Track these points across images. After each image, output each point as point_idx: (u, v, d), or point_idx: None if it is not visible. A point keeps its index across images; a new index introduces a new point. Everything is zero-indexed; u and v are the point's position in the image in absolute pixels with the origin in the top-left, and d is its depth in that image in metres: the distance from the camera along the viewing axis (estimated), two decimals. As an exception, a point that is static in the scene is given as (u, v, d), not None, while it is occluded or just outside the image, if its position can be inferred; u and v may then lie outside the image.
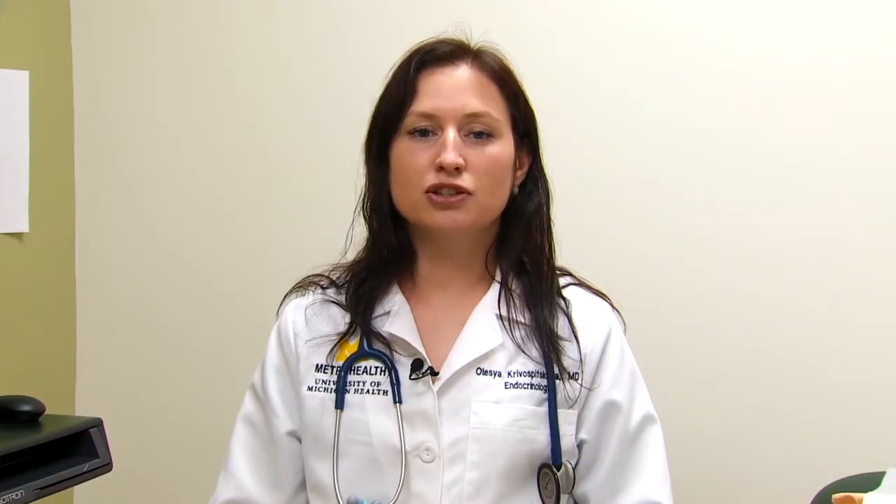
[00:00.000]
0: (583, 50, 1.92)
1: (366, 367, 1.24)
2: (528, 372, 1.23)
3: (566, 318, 1.26)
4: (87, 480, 1.47)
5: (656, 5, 1.90)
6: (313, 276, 1.33)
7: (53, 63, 2.09)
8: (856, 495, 1.11)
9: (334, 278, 1.32)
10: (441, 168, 1.19)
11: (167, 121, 2.12)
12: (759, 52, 1.84)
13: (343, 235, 1.31)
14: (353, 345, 1.25)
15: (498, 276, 1.27)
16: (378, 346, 1.25)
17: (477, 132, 1.22)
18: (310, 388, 1.25)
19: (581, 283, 1.32)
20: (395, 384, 1.22)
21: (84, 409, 2.09)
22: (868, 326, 1.80)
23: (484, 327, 1.24)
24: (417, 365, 1.22)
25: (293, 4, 2.05)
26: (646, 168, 1.89)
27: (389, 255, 1.26)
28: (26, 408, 1.49)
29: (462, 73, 1.23)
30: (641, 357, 1.32)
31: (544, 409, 1.22)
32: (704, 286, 1.87)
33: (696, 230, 1.88)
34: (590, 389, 1.25)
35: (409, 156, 1.22)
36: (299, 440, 1.27)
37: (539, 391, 1.23)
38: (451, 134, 1.20)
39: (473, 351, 1.23)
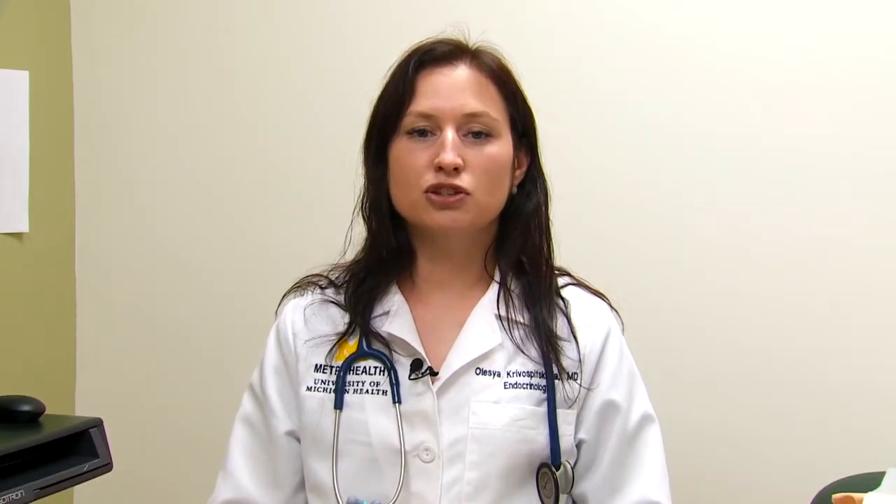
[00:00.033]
0: (583, 50, 1.92)
1: (365, 367, 1.24)
2: (528, 372, 1.23)
3: (565, 319, 1.26)
4: (87, 480, 1.47)
5: (656, 5, 1.90)
6: (312, 276, 1.33)
7: (53, 63, 2.09)
8: (856, 495, 1.11)
9: (333, 278, 1.32)
10: (440, 168, 1.19)
11: (167, 121, 2.12)
12: (759, 52, 1.84)
13: (343, 235, 1.31)
14: (352, 345, 1.25)
15: (497, 276, 1.27)
16: (377, 346, 1.25)
17: (475, 132, 1.22)
18: (309, 389, 1.25)
19: (579, 283, 1.32)
20: (395, 384, 1.22)
21: (84, 409, 2.09)
22: (868, 326, 1.80)
23: (483, 327, 1.25)
24: (417, 365, 1.22)
25: (293, 4, 2.05)
26: (646, 168, 1.89)
27: (388, 255, 1.26)
28: (26, 408, 1.49)
29: (460, 73, 1.23)
30: (641, 357, 1.32)
31: (543, 409, 1.22)
32: (704, 286, 1.87)
33: (696, 230, 1.88)
34: (589, 389, 1.25)
35: (408, 156, 1.22)
36: (298, 440, 1.27)
37: (538, 391, 1.23)
38: (449, 134, 1.20)
39: (473, 351, 1.23)
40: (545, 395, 1.22)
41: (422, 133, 1.22)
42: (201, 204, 2.11)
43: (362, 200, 1.29)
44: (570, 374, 1.24)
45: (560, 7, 1.93)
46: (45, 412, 1.51)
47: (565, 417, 1.23)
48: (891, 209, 1.80)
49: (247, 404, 1.31)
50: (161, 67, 2.12)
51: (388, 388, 1.22)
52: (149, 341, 2.14)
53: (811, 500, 1.30)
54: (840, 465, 1.37)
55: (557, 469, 1.20)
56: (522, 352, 1.24)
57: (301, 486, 1.27)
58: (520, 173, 1.28)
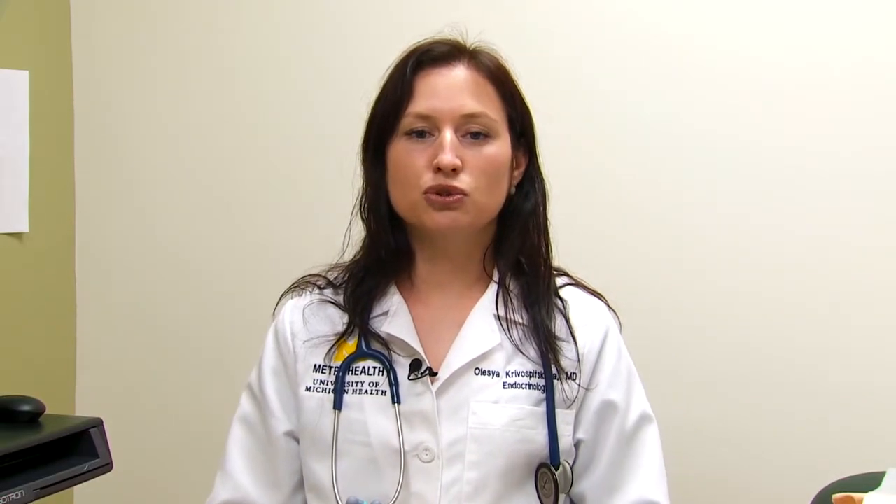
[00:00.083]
0: (582, 50, 1.92)
1: (364, 368, 1.24)
2: (527, 372, 1.23)
3: (564, 319, 1.26)
4: (87, 480, 1.47)
5: (656, 5, 1.89)
6: (310, 276, 1.33)
7: (53, 63, 2.09)
8: (856, 495, 1.11)
9: (332, 279, 1.32)
10: (438, 169, 1.19)
11: (167, 121, 2.12)
12: (759, 52, 1.84)
13: (344, 235, 1.31)
14: (351, 345, 1.25)
15: (496, 277, 1.27)
16: (376, 346, 1.25)
17: (474, 133, 1.22)
18: (308, 389, 1.25)
19: (578, 283, 1.32)
20: (394, 384, 1.22)
21: (84, 409, 2.09)
22: (868, 326, 1.80)
23: (482, 328, 1.25)
24: (416, 365, 1.22)
25: (293, 4, 2.05)
26: (646, 168, 1.89)
27: (387, 255, 1.26)
28: (26, 408, 1.49)
29: (458, 74, 1.23)
30: (641, 357, 1.32)
31: (542, 409, 1.22)
32: (704, 286, 1.87)
33: (696, 230, 1.87)
34: (587, 389, 1.25)
35: (407, 157, 1.22)
36: (297, 440, 1.27)
37: (537, 391, 1.23)
38: (447, 135, 1.20)
39: (472, 351, 1.23)
40: (544, 395, 1.22)
41: (420, 134, 1.22)
42: (201, 204, 2.11)
43: (361, 201, 1.29)
44: (569, 374, 1.24)
45: (560, 7, 1.92)
46: (45, 412, 1.51)
47: (564, 417, 1.23)
48: (891, 209, 1.80)
49: (245, 404, 1.31)
50: (161, 67, 2.12)
51: (388, 389, 1.22)
52: (149, 341, 2.14)
53: (811, 500, 1.30)
54: (840, 465, 1.37)
55: (556, 469, 1.20)
56: (521, 352, 1.24)
57: (299, 486, 1.27)
58: (518, 173, 1.28)
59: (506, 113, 1.25)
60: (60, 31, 2.11)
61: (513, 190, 1.27)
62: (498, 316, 1.25)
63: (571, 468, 1.24)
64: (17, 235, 1.98)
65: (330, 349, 1.25)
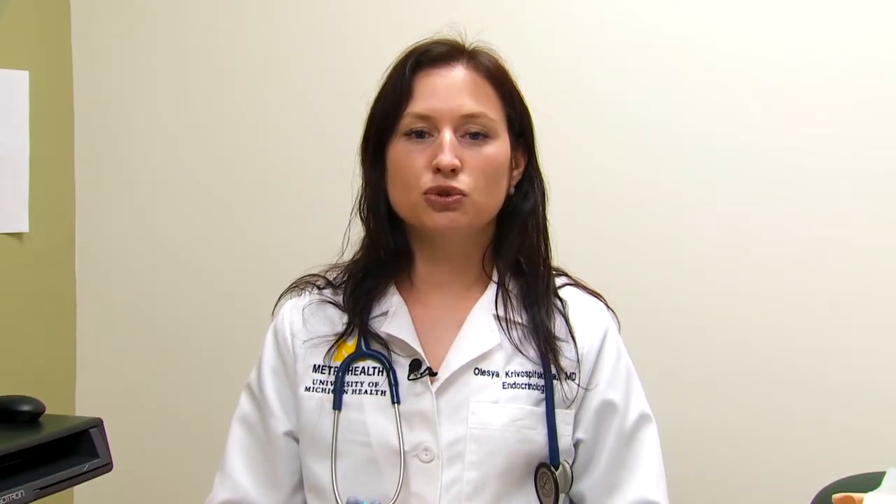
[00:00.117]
0: (583, 50, 1.91)
1: (363, 368, 1.24)
2: (526, 372, 1.23)
3: (563, 319, 1.27)
4: (87, 480, 1.47)
5: (656, 5, 1.89)
6: (309, 276, 1.33)
7: (53, 63, 2.09)
8: (856, 495, 1.11)
9: (331, 279, 1.32)
10: (438, 170, 1.19)
11: (167, 121, 2.12)
12: (759, 52, 1.84)
13: (343, 236, 1.31)
14: (350, 345, 1.25)
15: (495, 277, 1.27)
16: (376, 346, 1.25)
17: (473, 133, 1.22)
18: (307, 389, 1.25)
19: (577, 283, 1.33)
20: (394, 385, 1.22)
21: (84, 409, 2.09)
22: (868, 326, 1.80)
23: (482, 328, 1.25)
24: (416, 365, 1.22)
25: (293, 4, 2.05)
26: (646, 168, 1.89)
27: (386, 255, 1.26)
28: (26, 408, 1.49)
29: (457, 74, 1.23)
30: (641, 357, 1.32)
31: (542, 408, 1.22)
32: (704, 286, 1.87)
33: (696, 230, 1.87)
34: (587, 389, 1.25)
35: (406, 157, 1.22)
36: (296, 440, 1.27)
37: (537, 391, 1.23)
38: (447, 135, 1.20)
39: (471, 351, 1.23)
40: (543, 395, 1.22)
41: (419, 134, 1.22)
42: (201, 204, 2.11)
43: (360, 201, 1.29)
44: (569, 374, 1.24)
45: (560, 7, 1.92)
46: (45, 412, 1.51)
47: (563, 417, 1.23)
48: (891, 209, 1.80)
49: (244, 404, 1.31)
50: (161, 67, 2.12)
51: (387, 389, 1.22)
52: (149, 341, 2.14)
53: (811, 500, 1.30)
54: (840, 465, 1.37)
55: (556, 469, 1.21)
56: (521, 352, 1.24)
57: (299, 486, 1.27)
58: (517, 173, 1.28)
59: (505, 113, 1.25)
60: (60, 31, 2.11)
61: (512, 190, 1.27)
62: (497, 316, 1.25)
63: (571, 468, 1.24)
64: (17, 235, 1.98)
65: (329, 349, 1.25)
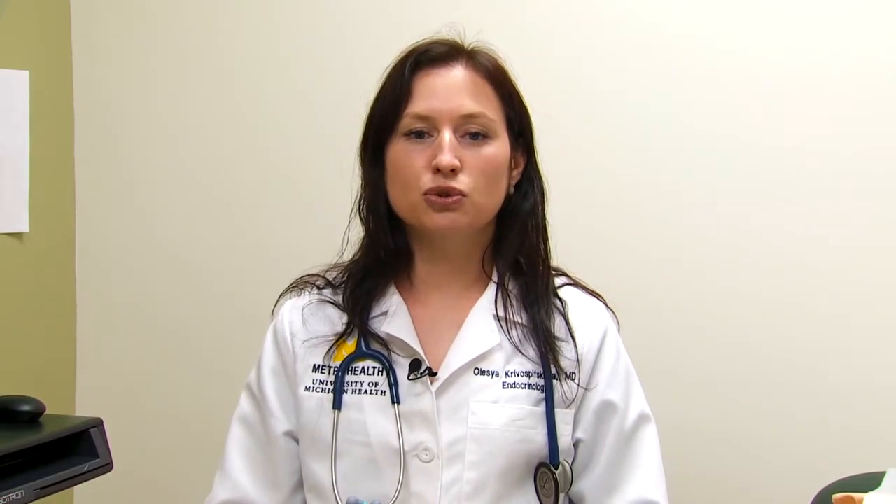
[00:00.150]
0: (583, 50, 1.91)
1: (363, 368, 1.24)
2: (526, 372, 1.23)
3: (563, 319, 1.27)
4: (87, 480, 1.47)
5: (656, 5, 1.89)
6: (309, 276, 1.33)
7: (53, 63, 2.09)
8: (856, 495, 1.11)
9: (330, 279, 1.32)
10: (437, 170, 1.19)
11: (167, 121, 2.13)
12: (759, 52, 1.84)
13: (343, 236, 1.31)
14: (350, 345, 1.25)
15: (495, 277, 1.27)
16: (376, 346, 1.25)
17: (472, 133, 1.22)
18: (307, 389, 1.25)
19: (576, 283, 1.33)
20: (393, 385, 1.22)
21: (84, 409, 2.10)
22: (868, 326, 1.80)
23: (481, 328, 1.25)
24: (415, 365, 1.22)
25: (293, 4, 2.05)
26: (646, 168, 1.89)
27: (386, 256, 1.26)
28: (26, 408, 1.49)
29: (457, 74, 1.23)
30: (641, 357, 1.32)
31: (542, 408, 1.22)
32: (704, 286, 1.87)
33: (696, 230, 1.87)
34: (586, 389, 1.25)
35: (405, 158, 1.22)
36: (296, 440, 1.27)
37: (536, 391, 1.23)
38: (446, 135, 1.20)
39: (471, 351, 1.23)
40: (543, 395, 1.23)
41: (419, 135, 1.22)
42: (201, 204, 2.11)
43: (359, 201, 1.29)
44: (568, 373, 1.24)
45: (560, 7, 1.92)
46: (45, 412, 1.51)
47: (563, 417, 1.23)
48: (891, 209, 1.80)
49: (244, 404, 1.31)
50: (161, 67, 2.12)
51: (387, 389, 1.22)
52: (149, 341, 2.14)
53: (811, 500, 1.30)
54: (840, 465, 1.37)
55: (556, 468, 1.21)
56: (521, 352, 1.24)
57: (299, 486, 1.27)
58: (517, 173, 1.28)
59: (504, 113, 1.25)
60: (60, 31, 2.11)
61: (511, 190, 1.27)
62: (497, 316, 1.25)
63: (571, 468, 1.24)
64: (17, 235, 1.98)
65: (329, 349, 1.25)
